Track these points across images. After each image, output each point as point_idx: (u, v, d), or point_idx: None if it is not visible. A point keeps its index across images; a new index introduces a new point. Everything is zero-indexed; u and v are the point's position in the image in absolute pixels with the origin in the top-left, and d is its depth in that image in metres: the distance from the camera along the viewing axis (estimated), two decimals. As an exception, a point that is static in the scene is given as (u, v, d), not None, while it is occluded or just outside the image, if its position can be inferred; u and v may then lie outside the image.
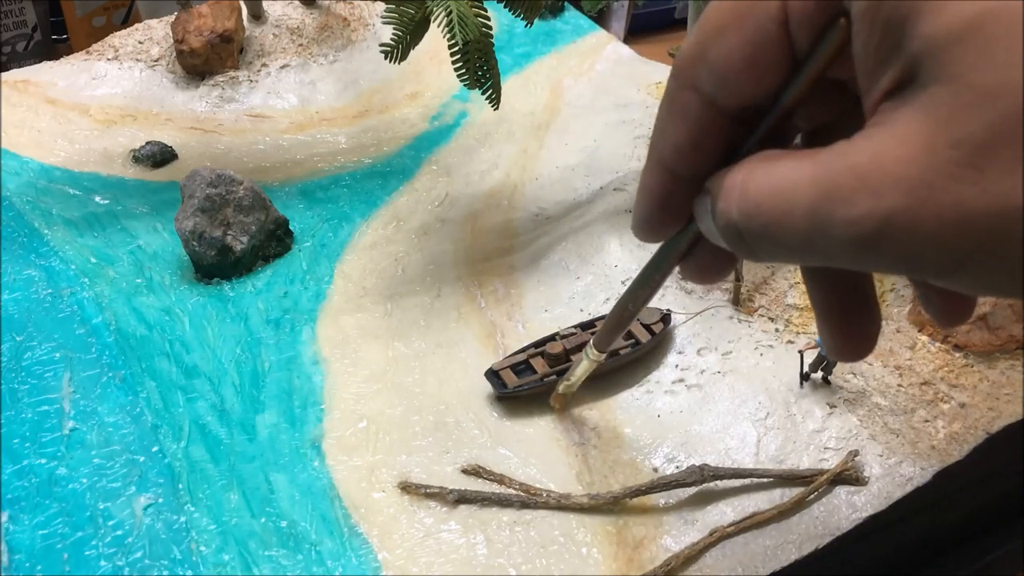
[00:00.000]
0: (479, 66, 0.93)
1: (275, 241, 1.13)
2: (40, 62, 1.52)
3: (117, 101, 1.43)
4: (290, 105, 1.46)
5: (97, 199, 1.22)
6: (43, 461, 0.82)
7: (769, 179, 0.29)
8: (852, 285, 0.35)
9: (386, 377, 0.94)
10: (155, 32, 1.54)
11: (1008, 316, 0.92)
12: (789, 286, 1.02)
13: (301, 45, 1.54)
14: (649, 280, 0.46)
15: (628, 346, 0.93)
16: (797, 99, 0.31)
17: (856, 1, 0.27)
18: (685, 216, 0.35)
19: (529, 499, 0.79)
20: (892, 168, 0.25)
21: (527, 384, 0.89)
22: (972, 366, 0.92)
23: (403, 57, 0.95)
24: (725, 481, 0.80)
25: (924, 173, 0.25)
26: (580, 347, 0.92)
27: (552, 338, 0.94)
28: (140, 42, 1.52)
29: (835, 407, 0.88)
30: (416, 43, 0.95)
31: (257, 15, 1.56)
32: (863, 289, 0.35)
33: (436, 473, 0.82)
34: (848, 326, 0.35)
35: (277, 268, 1.11)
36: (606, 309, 1.00)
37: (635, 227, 0.37)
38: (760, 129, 0.32)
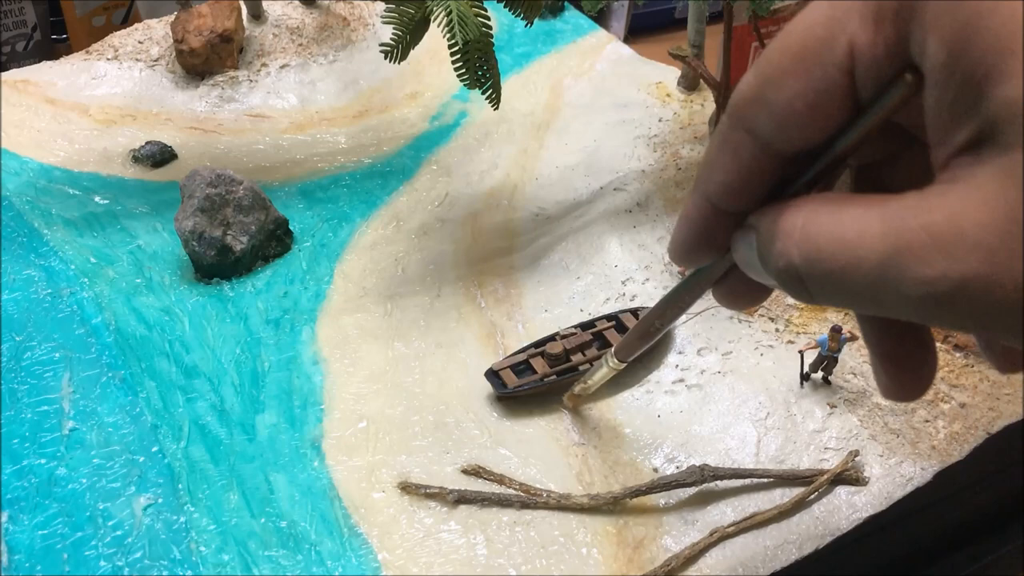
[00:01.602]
0: (479, 66, 0.93)
1: (275, 241, 1.13)
2: (40, 62, 1.52)
3: (117, 101, 1.43)
4: (290, 105, 1.46)
5: (97, 199, 1.22)
6: (43, 461, 0.82)
7: (834, 226, 0.28)
8: (910, 328, 0.35)
9: (386, 377, 0.94)
10: (155, 32, 1.54)
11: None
12: (789, 286, 1.02)
13: (301, 45, 1.54)
14: (679, 300, 0.46)
15: (628, 346, 0.93)
16: (855, 145, 0.31)
17: (929, 56, 0.26)
18: (724, 247, 0.35)
19: (529, 499, 0.79)
20: (971, 232, 0.25)
21: (527, 384, 0.89)
22: (972, 366, 0.92)
23: (403, 57, 0.95)
24: (725, 481, 0.80)
25: (1005, 240, 0.24)
26: (580, 347, 0.92)
27: (552, 338, 0.94)
28: (140, 42, 1.52)
29: (835, 407, 0.88)
30: (416, 43, 0.95)
31: (257, 15, 1.56)
32: (921, 332, 0.35)
33: (436, 473, 0.82)
34: (905, 369, 0.35)
35: (277, 268, 1.11)
36: (606, 309, 1.00)
37: (672, 253, 0.37)
38: (812, 171, 0.32)
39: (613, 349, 0.72)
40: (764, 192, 0.32)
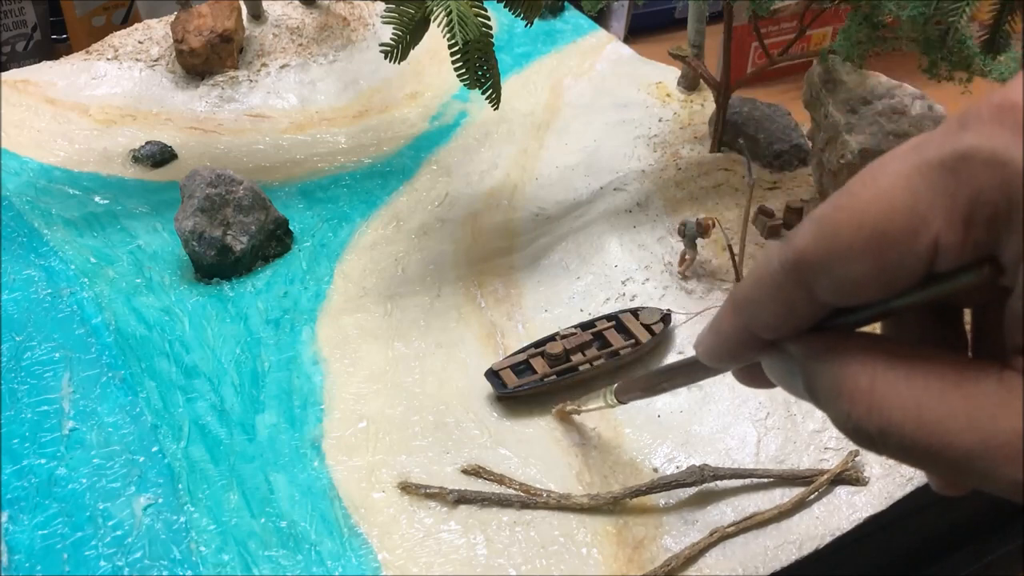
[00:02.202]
0: (479, 66, 0.93)
1: (275, 241, 1.13)
2: (40, 62, 1.52)
3: (117, 101, 1.43)
4: (290, 105, 1.46)
5: (97, 199, 1.22)
6: (43, 461, 0.82)
7: (911, 403, 0.28)
8: None
9: (386, 377, 0.94)
10: (155, 32, 1.54)
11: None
12: (789, 286, 1.02)
13: (301, 45, 1.54)
14: (693, 373, 0.46)
15: (628, 346, 0.93)
16: (912, 307, 0.30)
17: (1018, 261, 0.26)
18: (754, 359, 0.35)
19: (529, 499, 0.79)
20: None
21: (527, 384, 0.89)
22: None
23: (403, 57, 0.95)
24: (725, 481, 0.80)
25: None
26: (580, 347, 0.92)
27: (552, 338, 0.94)
28: (140, 42, 1.52)
29: (835, 407, 0.88)
30: (416, 43, 0.95)
31: (257, 15, 1.56)
32: None
33: (436, 473, 0.82)
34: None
35: (277, 268, 1.11)
36: (606, 309, 1.00)
37: (701, 354, 0.37)
38: (860, 317, 0.31)
39: (615, 387, 0.72)
40: (805, 328, 0.32)
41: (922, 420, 0.27)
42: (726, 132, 1.26)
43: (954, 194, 0.27)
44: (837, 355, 0.30)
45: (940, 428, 0.27)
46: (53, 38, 1.68)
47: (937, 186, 0.27)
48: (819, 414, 0.88)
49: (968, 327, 0.33)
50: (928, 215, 0.27)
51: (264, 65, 1.50)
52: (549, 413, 0.89)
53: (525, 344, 0.95)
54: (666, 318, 0.96)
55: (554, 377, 0.90)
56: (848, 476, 0.81)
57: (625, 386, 0.70)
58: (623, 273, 1.05)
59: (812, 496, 0.80)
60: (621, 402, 0.72)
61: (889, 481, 0.81)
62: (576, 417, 0.88)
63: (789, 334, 0.32)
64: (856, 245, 0.29)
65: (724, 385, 0.91)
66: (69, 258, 1.09)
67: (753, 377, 0.37)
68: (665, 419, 0.88)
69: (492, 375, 0.90)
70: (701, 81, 1.43)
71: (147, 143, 1.31)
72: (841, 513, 0.78)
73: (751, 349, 0.34)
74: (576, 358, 0.91)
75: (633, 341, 0.94)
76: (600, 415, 0.89)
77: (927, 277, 0.28)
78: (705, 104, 1.42)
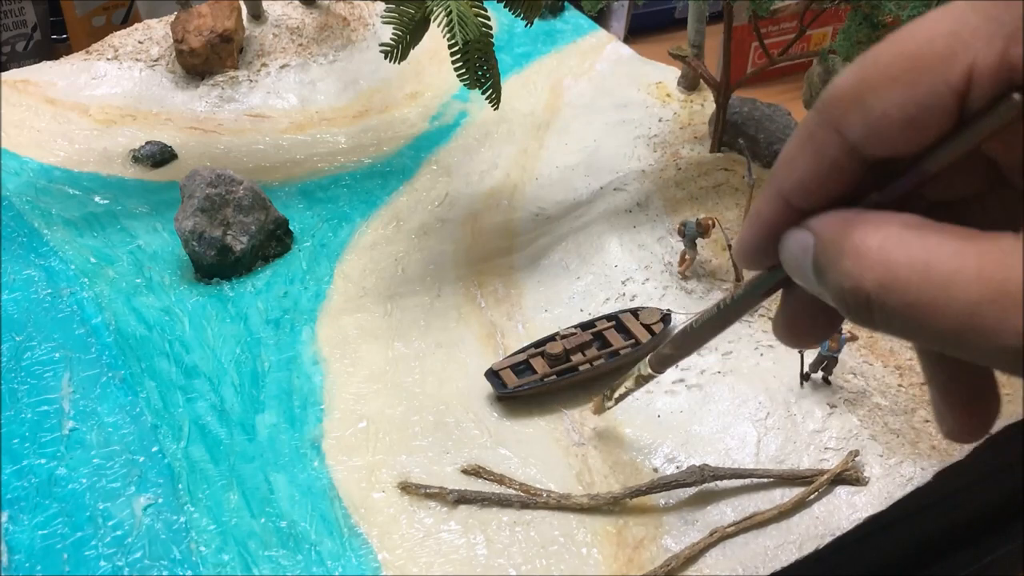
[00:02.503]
0: (479, 66, 0.93)
1: (275, 241, 1.13)
2: (40, 62, 1.52)
3: (117, 101, 1.43)
4: (290, 105, 1.45)
5: (97, 199, 1.22)
6: (43, 461, 0.82)
7: (921, 255, 0.27)
8: (980, 371, 0.33)
9: (386, 377, 0.94)
10: (155, 32, 1.54)
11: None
12: (789, 286, 1.02)
13: (301, 45, 1.54)
14: (724, 320, 0.44)
15: (628, 346, 0.93)
16: (943, 165, 0.29)
17: None
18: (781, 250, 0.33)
19: (529, 499, 0.79)
20: None
21: (527, 384, 0.89)
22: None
23: (403, 57, 0.95)
24: (725, 481, 0.80)
25: None
26: (580, 347, 0.92)
27: (552, 338, 0.94)
28: (140, 42, 1.52)
29: (835, 407, 0.88)
30: (416, 43, 0.95)
31: (257, 15, 1.56)
32: (988, 373, 0.33)
33: (436, 473, 0.82)
34: (970, 411, 0.33)
35: (277, 268, 1.11)
36: (606, 309, 1.00)
37: (739, 252, 0.35)
38: (892, 187, 0.30)
39: (648, 359, 0.71)
40: (839, 196, 0.30)
41: (929, 274, 0.26)
42: (726, 132, 1.26)
43: (1000, 17, 0.27)
44: (851, 224, 0.29)
45: (948, 281, 0.26)
46: (53, 38, 1.68)
47: (986, 11, 0.27)
48: (819, 414, 0.88)
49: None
50: (969, 39, 0.27)
51: (264, 65, 1.50)
52: (549, 413, 0.89)
53: (525, 344, 0.95)
54: (666, 318, 0.96)
55: (554, 377, 0.90)
56: (848, 476, 0.81)
57: (657, 355, 0.68)
58: (623, 273, 1.05)
59: (812, 496, 0.80)
60: (657, 372, 0.71)
61: (889, 481, 0.81)
62: (575, 411, 0.88)
63: (820, 201, 0.31)
64: (891, 72, 0.28)
65: (724, 385, 0.91)
66: (69, 258, 1.09)
67: (795, 329, 0.36)
68: (665, 419, 0.88)
69: (492, 375, 0.90)
70: (701, 81, 1.43)
71: (147, 143, 1.31)
72: (841, 513, 0.78)
73: (784, 225, 0.32)
74: (576, 358, 0.91)
75: (633, 341, 0.94)
76: (601, 415, 0.89)
77: (957, 125, 0.27)
78: (705, 104, 1.42)
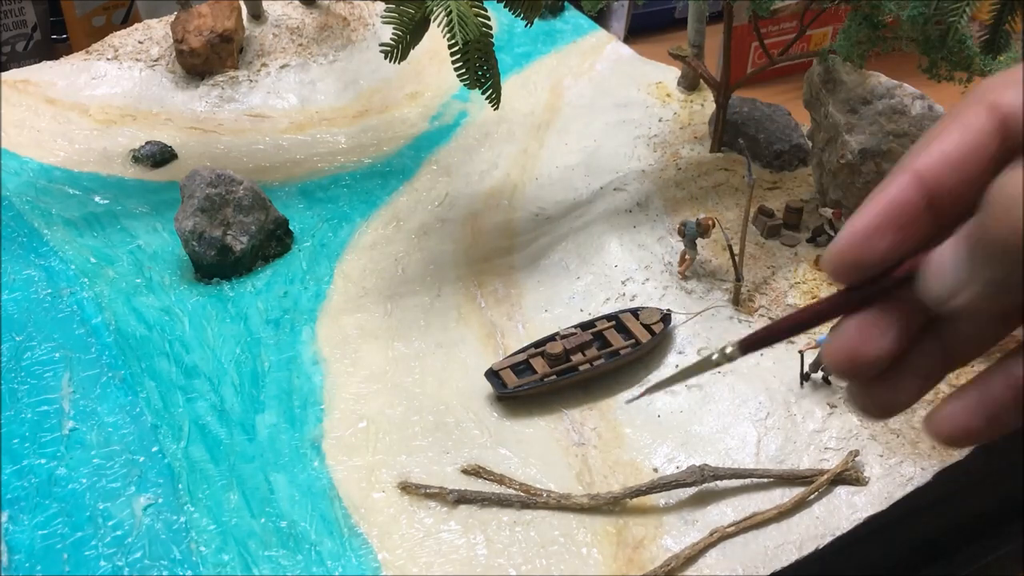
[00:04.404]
0: (479, 66, 0.93)
1: (275, 241, 1.13)
2: (40, 62, 1.51)
3: (117, 101, 1.43)
4: (290, 105, 1.45)
5: (97, 199, 1.22)
6: (43, 461, 0.82)
7: None
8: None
9: (386, 377, 0.94)
10: (155, 32, 1.54)
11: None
12: (789, 286, 1.02)
13: (301, 45, 1.54)
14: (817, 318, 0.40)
15: (628, 346, 0.93)
16: None
17: None
18: (911, 242, 0.32)
19: (529, 499, 0.79)
20: None
21: (527, 384, 0.89)
22: (973, 366, 0.92)
23: (403, 57, 0.95)
24: (725, 481, 0.80)
25: None
26: (580, 347, 0.92)
27: (552, 338, 0.94)
28: (140, 42, 1.52)
29: (835, 407, 0.88)
30: (416, 43, 0.95)
31: (257, 15, 1.56)
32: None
33: (436, 473, 0.82)
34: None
35: (277, 268, 1.11)
36: (606, 309, 1.00)
37: (851, 237, 0.32)
38: None
39: (738, 341, 0.67)
40: (978, 188, 0.29)
41: None
42: (726, 132, 1.26)
43: None
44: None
45: None
46: (53, 38, 1.68)
47: None
48: (819, 414, 0.88)
49: None
50: None
51: (264, 65, 1.50)
52: (549, 413, 0.89)
53: (525, 344, 0.95)
54: (666, 318, 0.96)
55: (554, 377, 0.90)
56: (848, 476, 0.81)
57: (747, 340, 0.64)
58: (623, 273, 1.05)
59: (812, 496, 0.80)
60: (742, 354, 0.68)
61: (889, 481, 0.81)
62: (575, 411, 0.88)
63: (958, 185, 0.30)
64: None
65: (724, 385, 0.91)
66: (69, 258, 1.09)
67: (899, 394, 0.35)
68: (665, 419, 0.88)
69: (492, 375, 0.90)
70: (701, 81, 1.43)
71: (147, 143, 1.31)
72: (841, 513, 0.78)
73: (912, 211, 0.31)
74: (576, 358, 0.91)
75: (633, 341, 0.94)
76: (600, 415, 0.89)
77: None
78: (705, 104, 1.42)
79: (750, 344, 0.63)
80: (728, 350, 0.66)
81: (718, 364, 0.69)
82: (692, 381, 0.92)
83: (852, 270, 0.34)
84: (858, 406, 0.39)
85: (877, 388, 0.38)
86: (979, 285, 0.31)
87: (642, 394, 0.78)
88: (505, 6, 1.00)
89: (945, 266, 0.31)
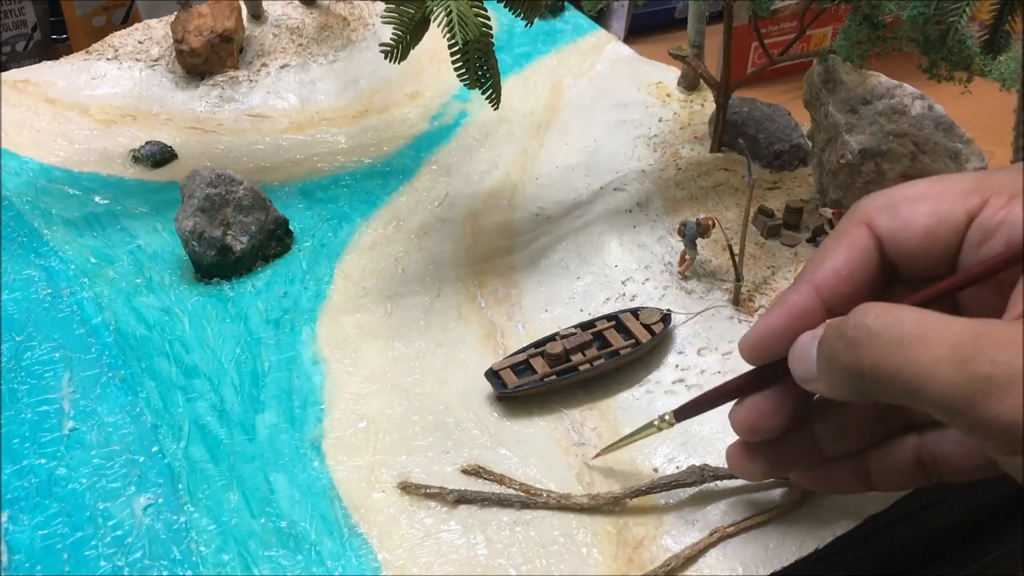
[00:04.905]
0: (479, 66, 0.93)
1: (275, 241, 1.13)
2: (40, 62, 1.52)
3: (117, 101, 1.43)
4: (290, 105, 1.46)
5: (97, 199, 1.22)
6: (43, 461, 0.82)
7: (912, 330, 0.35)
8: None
9: (386, 377, 0.94)
10: (155, 32, 1.54)
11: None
12: (789, 286, 1.02)
13: (301, 45, 1.54)
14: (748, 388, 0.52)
15: (628, 346, 0.93)
16: (957, 288, 0.38)
17: None
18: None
19: (529, 499, 0.79)
20: None
21: (527, 384, 0.89)
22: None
23: (403, 57, 0.95)
24: (725, 481, 0.80)
25: None
26: (580, 347, 0.92)
27: (552, 338, 0.94)
28: (140, 42, 1.52)
29: (835, 407, 0.88)
30: (416, 43, 0.95)
31: (257, 15, 1.56)
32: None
33: (436, 473, 0.82)
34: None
35: (277, 268, 1.11)
36: (606, 309, 1.00)
37: (758, 335, 0.46)
38: (919, 296, 0.38)
39: (674, 410, 0.74)
40: (865, 295, 0.39)
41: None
42: (726, 132, 1.26)
43: (1017, 181, 0.38)
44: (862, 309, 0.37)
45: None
46: (53, 38, 1.68)
47: (1009, 173, 0.38)
48: (819, 414, 0.87)
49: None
50: (990, 184, 0.40)
51: (264, 65, 1.50)
52: (549, 413, 0.89)
53: (525, 344, 0.95)
54: (666, 318, 0.96)
55: (554, 377, 0.90)
56: (848, 476, 0.81)
57: (684, 407, 0.73)
58: (623, 273, 1.05)
59: (812, 496, 0.80)
60: (678, 421, 0.74)
61: (889, 481, 0.81)
62: (575, 411, 0.88)
63: (847, 294, 0.41)
64: (919, 188, 0.41)
65: (724, 385, 0.91)
66: (69, 258, 1.09)
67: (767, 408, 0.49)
68: (665, 419, 0.88)
69: (492, 375, 0.90)
70: (701, 81, 1.43)
71: (147, 143, 1.32)
72: (841, 513, 0.78)
73: (810, 318, 0.41)
74: (576, 358, 0.91)
75: (633, 341, 0.94)
76: (600, 415, 0.89)
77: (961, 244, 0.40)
78: (705, 104, 1.42)
79: (683, 412, 0.76)
80: (667, 417, 0.78)
81: (659, 429, 0.81)
82: (692, 381, 0.92)
83: (760, 359, 0.46)
84: (741, 466, 0.59)
85: (769, 450, 0.53)
86: (823, 382, 0.40)
87: (596, 456, 0.83)
88: (505, 6, 1.00)
89: (805, 355, 0.41)
